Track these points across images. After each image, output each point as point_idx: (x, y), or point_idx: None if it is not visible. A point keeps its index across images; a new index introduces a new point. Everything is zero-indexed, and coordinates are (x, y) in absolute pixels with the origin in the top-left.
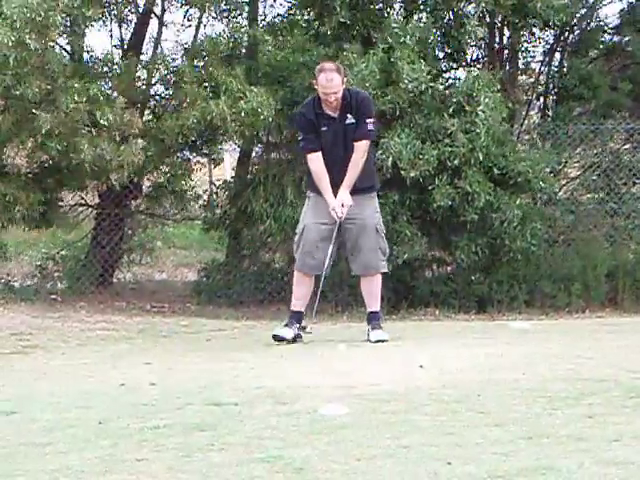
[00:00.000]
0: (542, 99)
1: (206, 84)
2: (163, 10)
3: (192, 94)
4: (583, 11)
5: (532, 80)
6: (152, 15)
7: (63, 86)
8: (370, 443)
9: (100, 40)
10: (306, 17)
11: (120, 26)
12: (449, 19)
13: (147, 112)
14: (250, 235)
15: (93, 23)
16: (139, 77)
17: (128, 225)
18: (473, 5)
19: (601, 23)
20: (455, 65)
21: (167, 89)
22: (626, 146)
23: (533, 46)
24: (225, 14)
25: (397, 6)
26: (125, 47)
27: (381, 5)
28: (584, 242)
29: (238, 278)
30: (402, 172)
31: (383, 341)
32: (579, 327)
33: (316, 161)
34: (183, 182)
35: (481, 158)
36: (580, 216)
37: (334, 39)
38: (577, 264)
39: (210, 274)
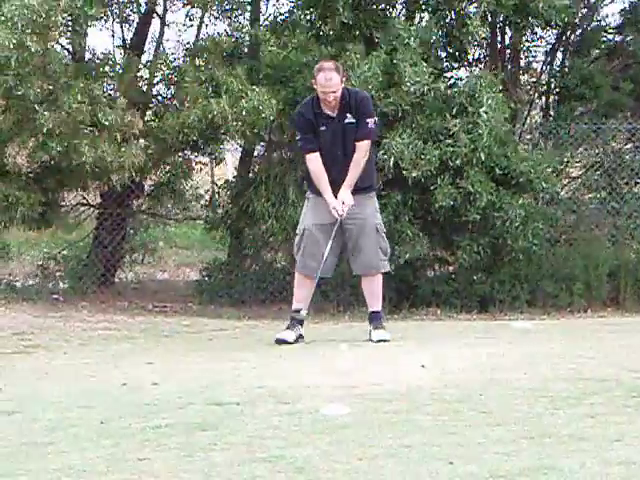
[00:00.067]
0: (544, 99)
1: (207, 84)
2: (165, 10)
3: (193, 93)
4: (584, 11)
5: (534, 80)
6: (154, 15)
7: (65, 86)
8: (372, 443)
9: (102, 40)
10: (308, 17)
11: (122, 26)
12: (451, 19)
13: (149, 112)
14: (252, 235)
15: (95, 23)
16: (141, 77)
17: (130, 225)
18: (475, 5)
19: (603, 23)
20: (457, 65)
21: (169, 89)
22: (628, 146)
23: (535, 46)
24: (227, 14)
25: (399, 6)
26: (127, 47)
27: (383, 5)
28: (586, 242)
29: (240, 278)
30: (404, 172)
31: (385, 341)
32: (581, 327)
33: (315, 161)
34: (184, 181)
35: (483, 158)
36: (582, 216)
37: (336, 39)
38: (579, 264)
39: (212, 274)
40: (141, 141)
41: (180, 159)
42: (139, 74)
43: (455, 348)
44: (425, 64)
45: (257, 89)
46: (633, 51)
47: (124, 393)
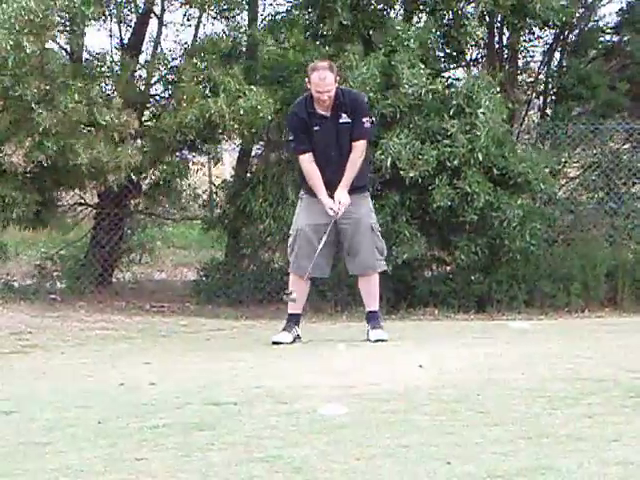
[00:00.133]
0: (541, 99)
1: (205, 83)
2: (163, 10)
3: (191, 92)
4: (582, 11)
5: (532, 80)
6: (152, 15)
7: (62, 86)
8: (369, 443)
9: (99, 40)
10: (307, 17)
11: (120, 26)
12: (449, 19)
13: (147, 112)
14: (249, 234)
15: (93, 22)
16: (139, 77)
17: (127, 225)
18: (473, 5)
19: (600, 23)
20: (455, 65)
21: (166, 89)
22: (625, 146)
23: (532, 46)
24: (225, 14)
25: (397, 6)
26: (125, 47)
27: (382, 6)
28: (583, 242)
29: (237, 278)
30: (401, 172)
31: (383, 341)
32: (578, 327)
33: (307, 161)
34: (181, 181)
35: (481, 159)
36: (580, 216)
37: (334, 39)
38: (577, 264)
39: (209, 274)
40: (138, 141)
41: (177, 159)
42: (137, 74)
43: (453, 348)
44: (423, 66)
45: (255, 89)
46: (630, 51)
47: (122, 393)
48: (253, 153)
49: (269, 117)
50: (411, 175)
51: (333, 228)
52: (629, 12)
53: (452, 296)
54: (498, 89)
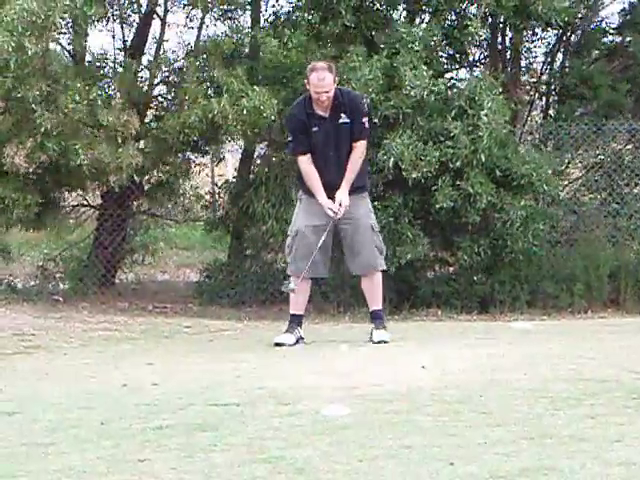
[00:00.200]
0: (544, 99)
1: (207, 84)
2: (166, 11)
3: (193, 93)
4: (584, 12)
5: (534, 80)
6: (154, 16)
7: (64, 87)
8: (372, 444)
9: (102, 41)
10: (310, 18)
11: (122, 27)
12: (452, 20)
13: (149, 113)
14: (252, 235)
15: (95, 23)
16: (142, 77)
17: (130, 226)
18: (475, 6)
19: (602, 24)
20: (457, 66)
21: (169, 90)
22: (628, 147)
23: (535, 47)
24: (228, 15)
25: (400, 7)
26: (127, 48)
27: (385, 7)
28: (586, 242)
29: (240, 278)
30: (404, 173)
31: (385, 342)
32: (581, 327)
33: (306, 162)
34: (182, 182)
35: (483, 159)
36: (582, 217)
37: (337, 40)
38: (579, 264)
39: (212, 275)
40: (141, 142)
41: (180, 160)
42: (139, 75)
43: (455, 349)
44: (425, 67)
45: (257, 89)
46: (633, 52)
47: (124, 394)
48: (256, 154)
49: (272, 118)
50: (414, 176)
51: (332, 229)
52: (631, 13)
53: (455, 297)
54: (501, 90)
